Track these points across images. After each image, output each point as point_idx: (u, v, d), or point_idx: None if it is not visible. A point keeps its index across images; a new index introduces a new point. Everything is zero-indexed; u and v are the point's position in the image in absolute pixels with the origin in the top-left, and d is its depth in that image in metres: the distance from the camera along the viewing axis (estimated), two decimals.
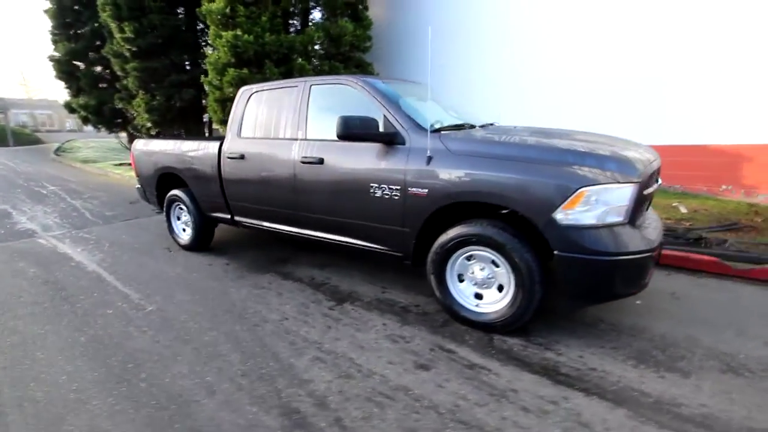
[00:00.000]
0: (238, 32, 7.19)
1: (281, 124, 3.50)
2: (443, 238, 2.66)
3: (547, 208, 2.26)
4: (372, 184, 2.87)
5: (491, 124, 3.37)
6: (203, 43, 10.78)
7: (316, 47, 8.08)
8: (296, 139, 3.33)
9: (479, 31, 8.07)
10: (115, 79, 11.35)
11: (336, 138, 2.91)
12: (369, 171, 2.89)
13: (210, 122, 12.16)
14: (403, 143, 2.77)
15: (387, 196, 2.82)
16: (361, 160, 2.95)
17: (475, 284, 2.68)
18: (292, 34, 7.80)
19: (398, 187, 2.75)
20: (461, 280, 2.73)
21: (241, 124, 3.79)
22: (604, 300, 2.37)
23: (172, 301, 3.25)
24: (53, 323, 2.96)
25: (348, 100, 3.29)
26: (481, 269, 2.63)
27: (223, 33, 7.28)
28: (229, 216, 4.09)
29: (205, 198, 4.22)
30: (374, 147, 2.89)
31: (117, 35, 9.05)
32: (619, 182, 2.25)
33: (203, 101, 11.18)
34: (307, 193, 3.28)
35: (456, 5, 8.30)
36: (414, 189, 2.69)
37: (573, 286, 2.33)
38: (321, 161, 3.14)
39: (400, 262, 3.01)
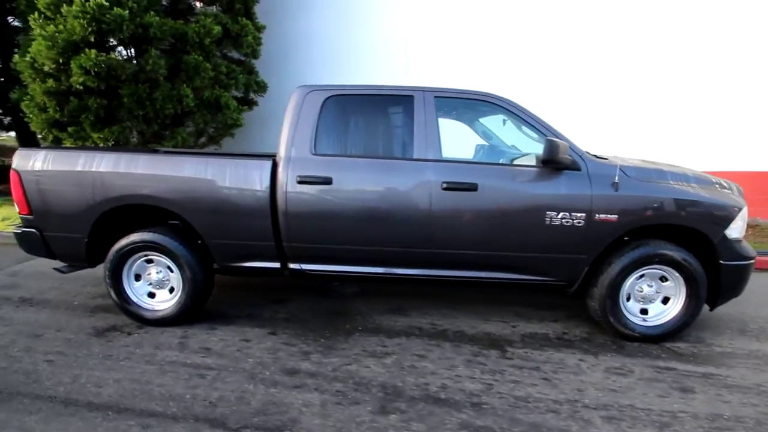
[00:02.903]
0: (104, 1, 5.04)
1: (395, 141, 2.78)
2: (622, 261, 2.72)
3: (723, 226, 2.70)
4: (549, 212, 2.66)
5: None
6: None
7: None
8: (428, 160, 2.71)
9: (369, 43, 8.03)
10: None
11: (479, 161, 2.53)
12: (545, 197, 2.67)
13: None
14: (579, 169, 2.70)
15: (567, 224, 2.67)
16: (532, 185, 2.69)
17: (642, 301, 2.86)
18: (180, 21, 5.98)
19: (582, 214, 2.66)
20: (627, 300, 2.86)
21: (316, 138, 2.76)
22: (738, 295, 2.96)
23: (304, 421, 2.08)
24: None
25: (482, 117, 2.94)
26: (649, 286, 2.84)
27: None
28: (276, 264, 2.88)
29: (228, 241, 2.83)
30: (539, 171, 2.70)
31: None
32: (745, 204, 2.89)
33: None
34: (450, 226, 2.70)
35: (343, 16, 8.07)
36: (602, 215, 2.66)
37: (729, 287, 2.82)
38: (474, 187, 2.67)
39: (559, 292, 2.90)
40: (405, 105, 2.81)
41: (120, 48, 5.98)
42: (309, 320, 3.13)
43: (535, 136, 2.82)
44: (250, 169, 2.76)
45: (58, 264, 3.08)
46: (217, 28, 6.11)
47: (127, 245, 2.84)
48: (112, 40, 5.63)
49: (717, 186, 2.84)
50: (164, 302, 2.96)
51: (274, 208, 2.76)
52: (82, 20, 4.95)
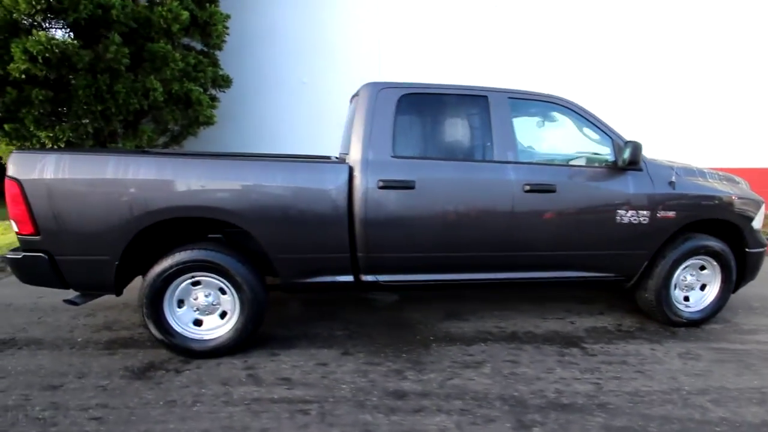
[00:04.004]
0: None
1: (474, 142, 2.68)
2: (675, 254, 2.93)
3: (751, 219, 3.04)
4: (619, 211, 2.78)
5: None
6: None
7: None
8: (508, 162, 2.66)
9: (340, 41, 7.68)
10: None
11: (557, 162, 2.57)
12: (617, 196, 2.78)
13: None
14: (641, 169, 2.86)
15: (635, 221, 2.81)
16: (603, 185, 2.78)
17: (685, 289, 3.11)
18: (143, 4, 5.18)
19: (647, 212, 2.82)
20: (674, 289, 3.09)
21: (394, 139, 2.55)
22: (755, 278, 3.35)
23: None
24: None
25: (549, 120, 2.96)
26: (692, 275, 3.09)
27: None
28: (349, 278, 2.62)
29: (297, 255, 2.51)
30: (609, 172, 2.81)
31: None
32: (763, 199, 3.29)
33: None
34: (530, 228, 2.69)
35: (312, 10, 7.67)
36: (663, 212, 2.84)
37: (750, 271, 3.19)
38: (553, 188, 2.68)
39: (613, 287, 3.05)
40: (480, 105, 2.73)
41: (59, 33, 5.05)
42: (372, 335, 2.91)
43: (597, 137, 2.92)
44: (325, 173, 2.48)
45: (70, 294, 2.48)
46: (186, 14, 5.44)
47: (172, 266, 2.38)
48: (58, 21, 4.74)
49: (739, 183, 3.20)
50: (216, 329, 2.54)
51: (351, 216, 2.51)
52: None
